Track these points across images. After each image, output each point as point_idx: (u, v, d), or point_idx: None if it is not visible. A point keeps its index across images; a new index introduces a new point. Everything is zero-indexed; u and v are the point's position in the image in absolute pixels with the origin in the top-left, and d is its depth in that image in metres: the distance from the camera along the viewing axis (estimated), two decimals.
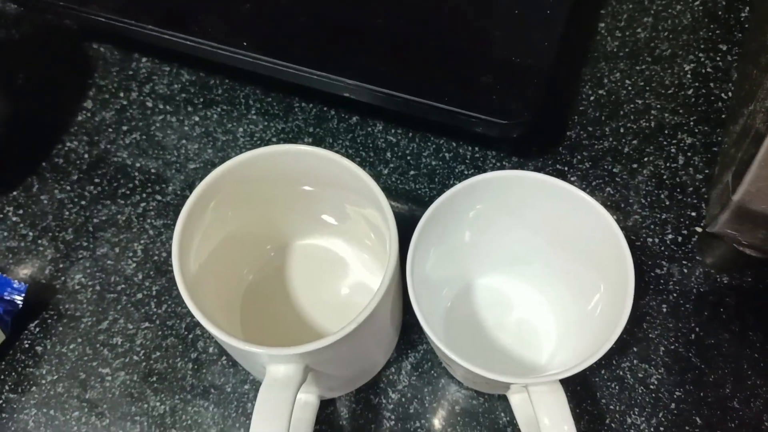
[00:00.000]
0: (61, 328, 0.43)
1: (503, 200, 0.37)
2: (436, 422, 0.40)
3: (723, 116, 0.48)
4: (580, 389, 0.41)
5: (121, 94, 0.51)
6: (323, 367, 0.34)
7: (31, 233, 0.46)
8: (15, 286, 0.42)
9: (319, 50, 0.43)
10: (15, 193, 0.48)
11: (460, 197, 0.36)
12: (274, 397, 0.31)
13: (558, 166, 0.47)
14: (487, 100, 0.40)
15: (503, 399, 0.41)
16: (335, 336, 0.31)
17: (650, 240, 0.45)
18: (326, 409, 0.41)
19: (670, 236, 0.45)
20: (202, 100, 0.50)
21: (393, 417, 0.41)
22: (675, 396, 0.41)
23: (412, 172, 0.48)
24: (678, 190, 0.46)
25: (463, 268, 0.41)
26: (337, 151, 0.48)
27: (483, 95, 0.41)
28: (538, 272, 0.40)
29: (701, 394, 0.41)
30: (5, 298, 0.42)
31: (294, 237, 0.43)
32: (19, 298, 0.42)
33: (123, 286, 0.44)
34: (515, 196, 0.37)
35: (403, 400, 0.41)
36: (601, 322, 0.35)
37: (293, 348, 0.31)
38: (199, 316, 0.31)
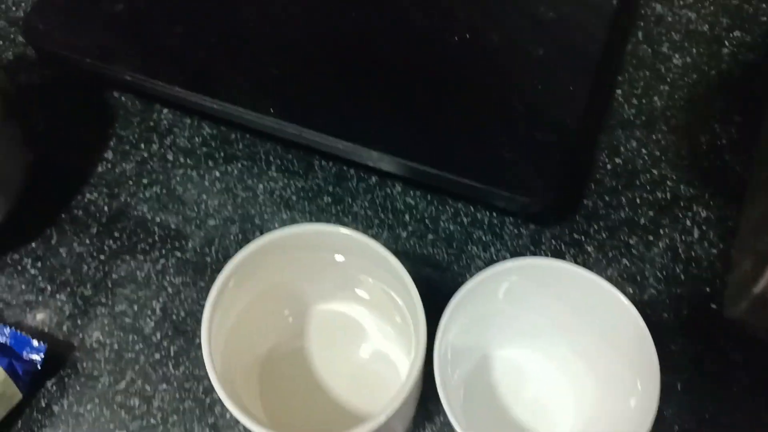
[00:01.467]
0: (78, 387, 0.43)
1: (530, 282, 0.38)
2: None
3: (738, 190, 0.49)
4: None
5: (142, 146, 0.51)
6: None
7: (49, 287, 0.46)
8: (34, 345, 0.42)
9: (345, 119, 0.44)
10: (34, 244, 0.48)
11: (487, 281, 0.37)
12: None
13: (575, 235, 0.48)
14: (509, 176, 0.41)
15: None
16: (367, 427, 0.32)
17: (665, 315, 0.45)
18: None
19: (684, 312, 0.45)
20: (222, 154, 0.50)
21: None
22: None
23: (430, 236, 0.48)
24: (693, 264, 0.47)
25: (484, 338, 0.42)
26: (356, 212, 0.49)
27: (505, 171, 0.41)
28: (560, 350, 0.41)
29: None
30: (24, 357, 0.42)
31: (315, 302, 0.44)
32: (37, 358, 0.42)
33: (141, 345, 0.45)
34: (542, 280, 0.37)
35: None
36: (622, 409, 0.36)
37: None
38: (233, 410, 0.31)
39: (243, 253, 0.36)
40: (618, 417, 0.36)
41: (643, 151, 0.51)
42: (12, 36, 0.54)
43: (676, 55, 0.54)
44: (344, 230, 0.37)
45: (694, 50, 0.54)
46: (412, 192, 0.49)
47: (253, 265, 0.37)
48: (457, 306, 0.36)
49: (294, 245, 0.38)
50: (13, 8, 0.56)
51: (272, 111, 0.43)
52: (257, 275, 0.38)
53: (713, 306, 0.45)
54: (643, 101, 0.53)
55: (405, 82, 0.45)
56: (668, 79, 0.54)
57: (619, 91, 0.53)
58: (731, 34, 0.55)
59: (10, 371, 0.41)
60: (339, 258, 0.40)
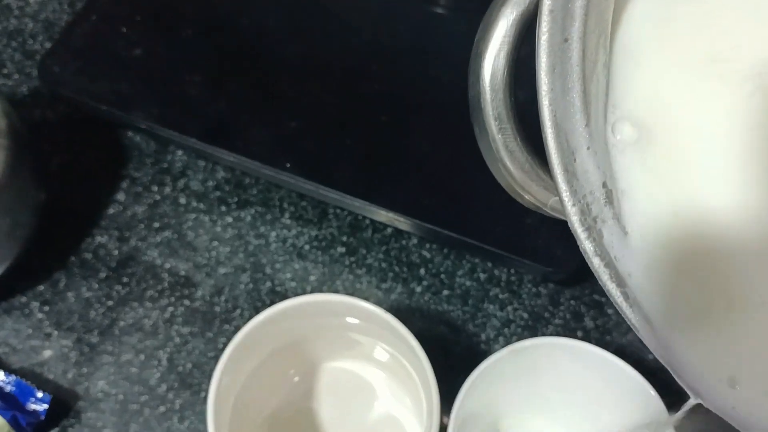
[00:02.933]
0: None
1: (549, 359, 0.37)
2: None
3: None
4: None
5: (155, 188, 0.50)
6: None
7: (55, 332, 0.45)
8: (38, 396, 0.42)
9: (362, 177, 0.43)
10: (42, 287, 0.47)
11: (505, 359, 0.35)
12: None
13: (594, 296, 0.46)
14: (530, 244, 0.40)
15: None
16: None
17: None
18: None
19: None
20: (236, 199, 0.49)
21: None
22: None
23: (445, 292, 0.47)
24: None
25: (499, 410, 0.40)
26: (370, 264, 0.48)
27: (527, 239, 0.40)
28: (579, 426, 0.39)
29: None
30: (27, 408, 0.41)
31: (323, 360, 0.43)
32: (41, 409, 0.42)
33: (146, 397, 0.44)
34: (560, 358, 0.36)
35: None
36: None
37: None
38: None
39: (254, 322, 0.35)
40: None
41: None
42: (28, 70, 0.53)
43: None
44: (362, 303, 0.36)
45: None
46: (428, 245, 0.48)
47: (264, 331, 0.36)
48: (473, 385, 0.35)
49: (307, 312, 0.37)
50: (30, 40, 0.55)
51: (288, 166, 0.42)
52: (267, 340, 0.37)
53: None
54: None
55: (426, 144, 0.44)
56: None
57: None
58: None
59: (14, 424, 0.40)
60: (352, 320, 0.39)
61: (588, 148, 0.21)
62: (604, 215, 0.22)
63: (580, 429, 0.40)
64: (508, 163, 0.24)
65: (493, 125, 0.24)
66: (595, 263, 0.22)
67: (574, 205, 0.21)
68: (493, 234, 0.40)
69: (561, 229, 0.42)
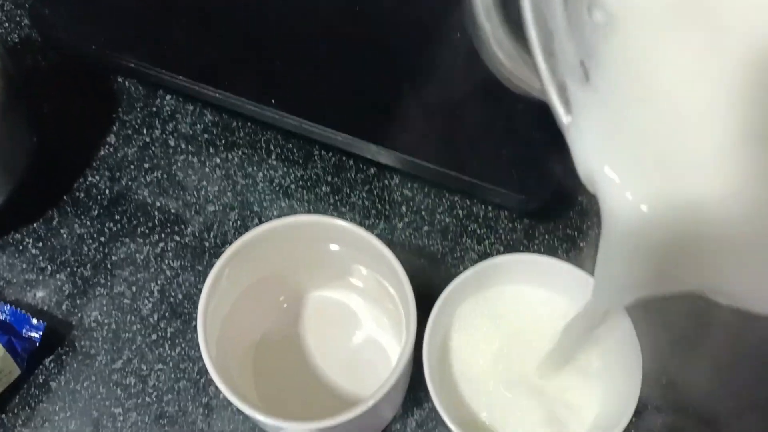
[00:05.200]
0: (75, 365, 0.44)
1: (520, 276, 0.39)
2: None
3: None
4: None
5: (144, 131, 0.51)
6: None
7: (49, 266, 0.47)
8: (33, 323, 0.43)
9: (346, 112, 0.44)
10: (35, 225, 0.48)
11: (479, 274, 0.37)
12: None
13: (568, 230, 0.49)
14: (506, 174, 0.42)
15: None
16: (351, 413, 0.33)
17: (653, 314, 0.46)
18: None
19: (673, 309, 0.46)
20: (224, 141, 0.51)
21: None
22: None
23: (425, 228, 0.49)
24: None
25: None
26: (353, 202, 0.50)
27: (503, 169, 0.42)
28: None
29: None
30: (23, 335, 0.43)
31: (308, 289, 0.44)
32: (36, 336, 0.43)
33: (138, 326, 0.45)
34: (532, 275, 0.38)
35: None
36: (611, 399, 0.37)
37: (308, 423, 0.32)
38: (227, 393, 0.32)
39: (240, 241, 0.37)
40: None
41: None
42: (18, 19, 0.55)
43: None
44: (340, 222, 0.37)
45: None
46: (409, 184, 0.50)
47: (250, 253, 0.38)
48: (448, 297, 0.37)
49: (291, 235, 0.38)
50: None
51: (273, 102, 0.44)
52: (253, 263, 0.39)
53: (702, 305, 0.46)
54: None
55: (406, 77, 0.46)
56: None
57: None
58: None
59: (9, 348, 0.42)
60: (334, 247, 0.41)
61: (566, 30, 0.23)
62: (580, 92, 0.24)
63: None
64: (497, 51, 0.26)
65: (482, 16, 0.26)
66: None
67: (552, 84, 0.23)
68: (471, 165, 0.42)
69: (536, 160, 0.44)
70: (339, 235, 0.38)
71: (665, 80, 0.24)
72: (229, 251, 0.37)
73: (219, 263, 0.37)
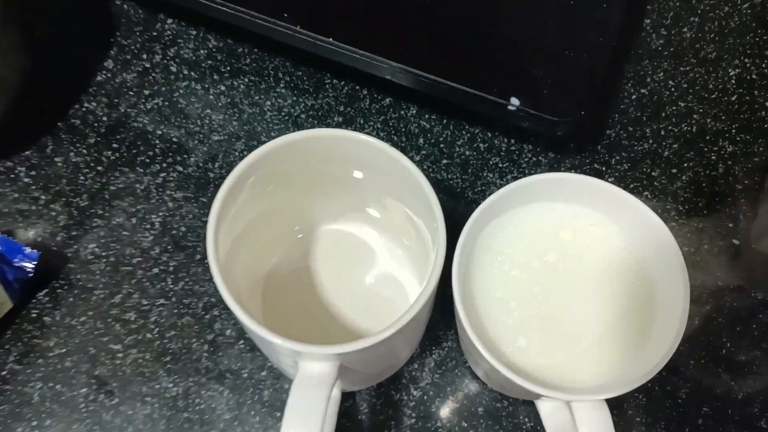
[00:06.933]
0: (71, 299, 0.41)
1: (552, 198, 0.36)
2: (457, 423, 0.39)
3: (766, 126, 0.47)
4: (606, 399, 0.40)
5: (144, 56, 0.48)
6: (354, 365, 0.33)
7: (43, 196, 0.44)
8: (26, 252, 0.40)
9: (364, 28, 0.41)
10: (28, 152, 0.45)
11: (508, 198, 0.35)
12: (310, 395, 0.29)
13: (596, 165, 0.46)
14: (536, 95, 0.39)
15: (528, 404, 0.40)
16: (374, 338, 0.30)
17: (685, 249, 0.43)
18: (346, 402, 0.40)
19: (706, 246, 0.44)
20: (228, 68, 0.48)
21: (414, 414, 0.39)
22: (702, 411, 0.40)
23: (444, 161, 0.46)
24: (716, 199, 0.45)
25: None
26: (368, 133, 0.46)
27: (533, 89, 0.39)
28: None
29: (729, 411, 0.40)
30: (15, 264, 0.40)
31: (325, 221, 0.41)
32: (29, 266, 0.40)
33: (139, 259, 0.43)
34: (564, 194, 0.35)
35: (425, 397, 0.40)
36: (648, 334, 0.34)
37: (329, 347, 0.29)
38: (234, 308, 0.30)
39: (257, 153, 0.33)
40: (640, 335, 0.34)
41: (670, 82, 0.49)
42: None
43: None
44: (365, 137, 0.34)
45: None
46: (427, 115, 0.47)
47: (267, 170, 0.34)
48: (477, 220, 0.34)
49: (311, 153, 0.35)
50: None
51: (286, 16, 0.41)
52: (271, 183, 0.36)
53: (735, 242, 0.44)
54: (672, 32, 0.50)
55: None
56: (699, 11, 0.51)
57: (648, 21, 0.51)
58: None
59: (1, 278, 0.39)
60: (357, 174, 0.38)
61: None
62: None
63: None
64: None
65: None
66: None
67: None
68: (498, 86, 0.39)
69: (567, 81, 0.41)
70: (363, 155, 0.35)
71: None
72: (245, 163, 0.33)
73: (234, 174, 0.33)
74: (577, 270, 0.36)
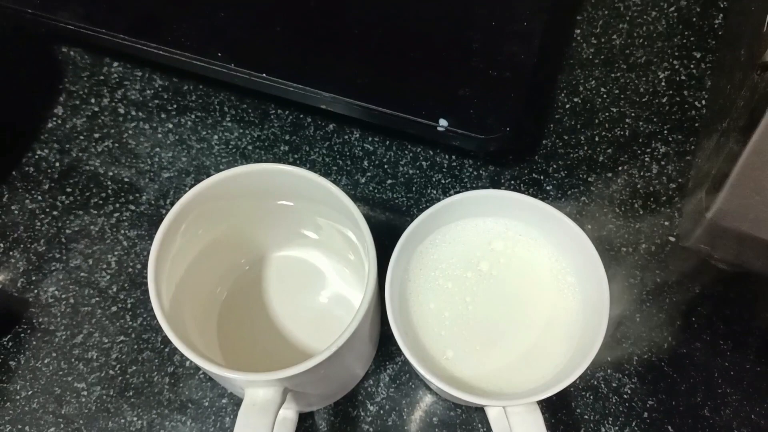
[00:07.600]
0: (34, 342, 0.43)
1: (485, 213, 0.38)
2: None
3: (696, 125, 0.49)
4: (554, 399, 0.41)
5: (92, 100, 0.50)
6: (303, 388, 0.35)
7: (2, 244, 0.45)
8: None
9: (295, 61, 0.43)
10: None
11: (440, 214, 0.36)
12: (253, 422, 0.31)
13: (534, 174, 0.48)
14: (464, 114, 0.40)
15: (480, 411, 0.41)
16: (315, 360, 0.31)
17: (624, 249, 0.45)
18: (305, 423, 0.41)
19: (643, 246, 0.45)
20: (175, 106, 0.49)
21: (371, 429, 0.41)
22: (648, 405, 0.42)
23: (389, 181, 0.47)
24: (651, 199, 0.47)
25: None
26: (314, 159, 0.48)
27: (460, 109, 0.41)
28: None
29: (673, 402, 0.42)
30: None
31: (269, 249, 0.43)
32: None
33: (97, 298, 0.44)
34: (492, 210, 0.37)
35: (381, 412, 0.41)
36: (577, 335, 0.36)
37: (272, 373, 0.31)
38: (179, 345, 0.31)
39: (187, 196, 0.35)
40: (570, 336, 0.36)
41: (602, 89, 0.50)
42: None
43: None
44: (286, 168, 0.36)
45: None
46: (370, 138, 0.49)
47: (201, 209, 0.36)
48: (408, 238, 0.36)
49: (238, 190, 0.36)
50: None
51: (220, 55, 0.42)
52: (206, 221, 0.37)
53: (671, 239, 0.45)
54: (603, 40, 0.52)
55: (357, 24, 0.44)
56: (627, 17, 0.53)
57: (578, 31, 0.53)
58: None
59: None
60: (287, 202, 0.39)
61: None
62: None
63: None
64: None
65: None
66: None
67: None
68: (427, 108, 0.41)
69: (493, 99, 0.43)
70: (289, 185, 0.37)
71: None
72: (177, 207, 0.35)
73: (167, 219, 0.35)
74: (508, 278, 0.37)
